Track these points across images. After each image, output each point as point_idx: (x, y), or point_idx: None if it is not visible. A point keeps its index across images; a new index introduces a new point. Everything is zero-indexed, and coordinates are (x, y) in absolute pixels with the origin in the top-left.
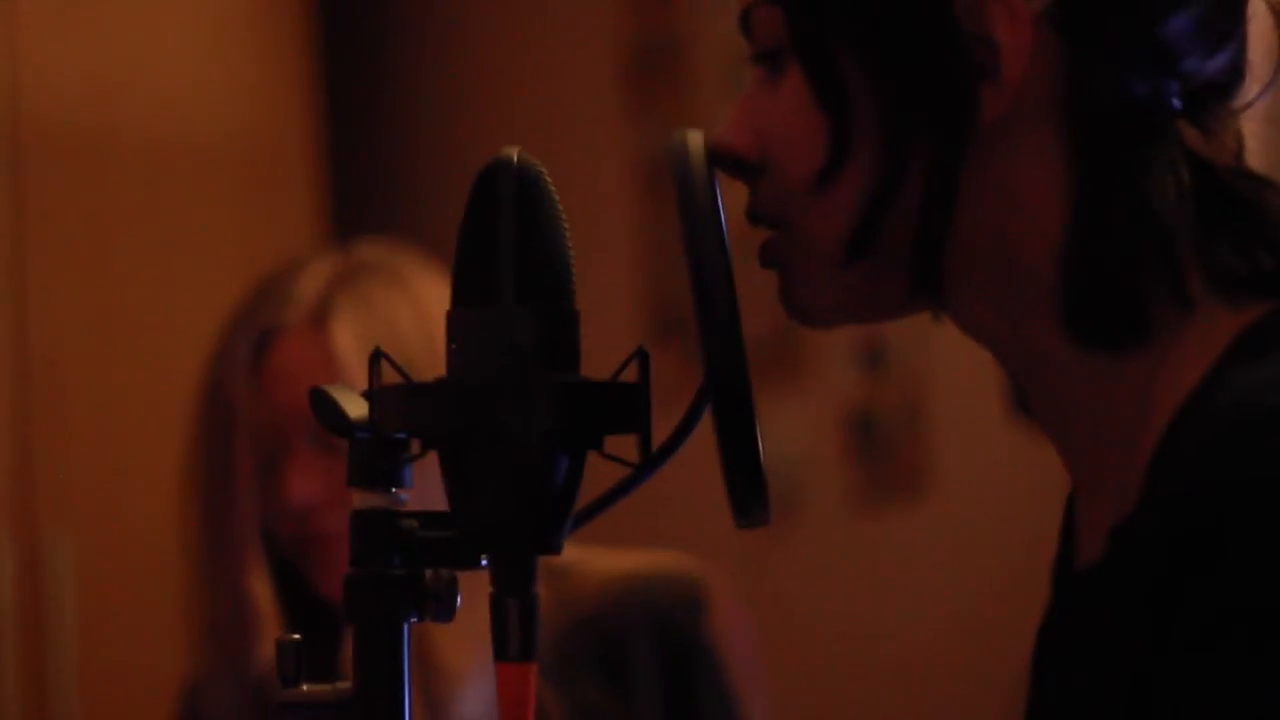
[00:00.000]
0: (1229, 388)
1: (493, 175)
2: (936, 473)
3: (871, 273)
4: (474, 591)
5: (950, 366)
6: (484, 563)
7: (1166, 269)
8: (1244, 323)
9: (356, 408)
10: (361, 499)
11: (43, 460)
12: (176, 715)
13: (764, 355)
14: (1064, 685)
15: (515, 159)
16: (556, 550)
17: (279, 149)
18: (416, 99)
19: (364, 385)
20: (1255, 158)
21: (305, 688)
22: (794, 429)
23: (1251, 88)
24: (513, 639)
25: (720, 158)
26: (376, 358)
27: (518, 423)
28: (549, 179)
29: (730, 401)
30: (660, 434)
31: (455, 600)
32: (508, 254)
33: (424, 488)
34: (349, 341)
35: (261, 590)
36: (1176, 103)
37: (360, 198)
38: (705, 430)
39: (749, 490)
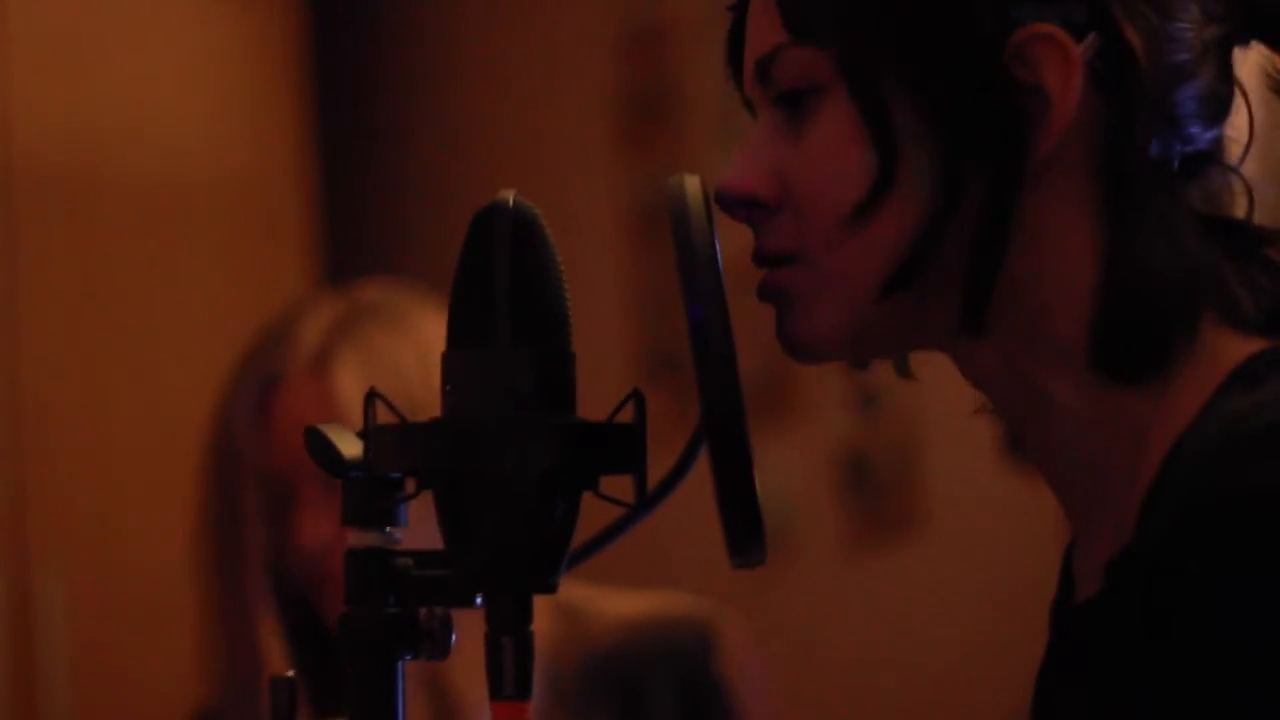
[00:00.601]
0: (1220, 415)
1: (488, 218)
2: (929, 513)
3: (907, 307)
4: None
5: (943, 408)
6: (479, 601)
7: (1187, 309)
8: (1241, 357)
9: (351, 447)
10: (356, 538)
11: (35, 500)
12: None
13: (757, 396)
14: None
15: (511, 202)
16: (552, 590)
17: (271, 192)
18: (409, 143)
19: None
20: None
21: None
22: (787, 469)
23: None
24: (508, 677)
25: (731, 199)
26: (371, 397)
27: (514, 463)
28: (544, 222)
29: (727, 441)
30: (655, 473)
31: (450, 639)
32: (503, 296)
33: (417, 525)
34: (351, 387)
35: (271, 635)
36: (1176, 165)
37: (353, 240)
38: (700, 469)
39: (745, 530)
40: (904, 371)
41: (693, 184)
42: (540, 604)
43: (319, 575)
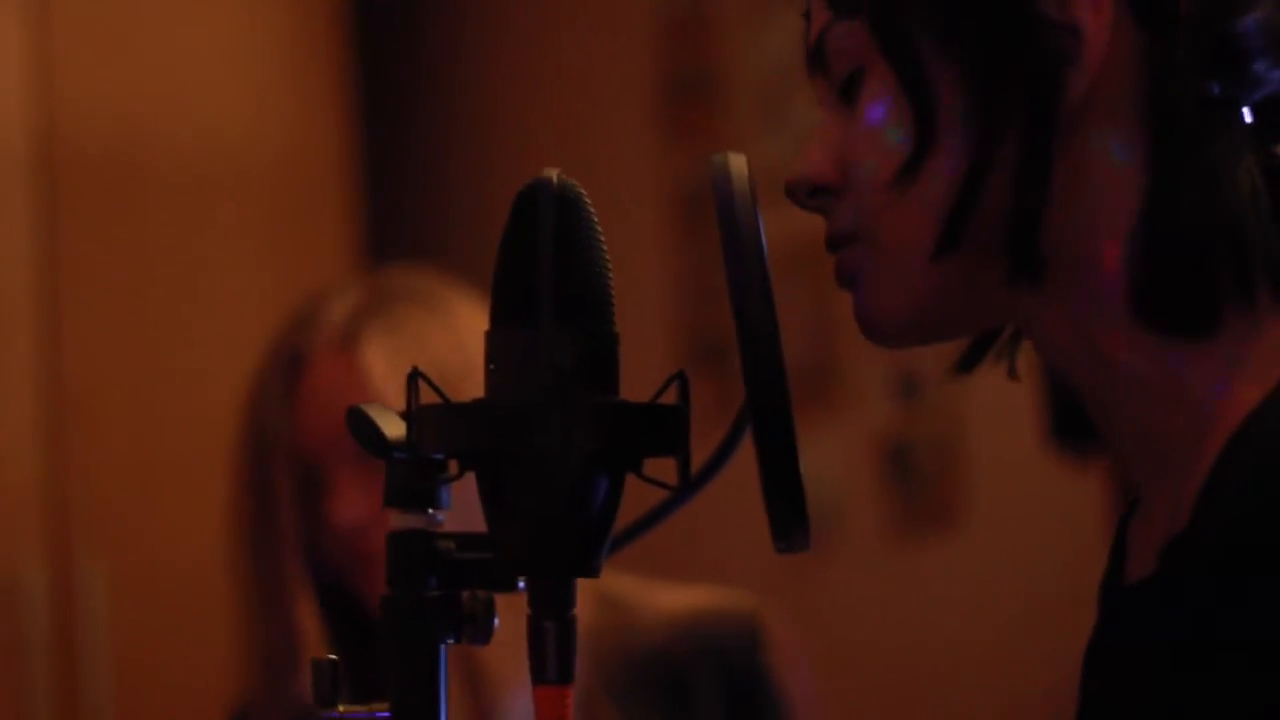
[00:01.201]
0: None
1: (532, 196)
2: (971, 503)
3: (962, 268)
4: (520, 601)
5: (985, 398)
6: (521, 585)
7: (1236, 266)
8: None
9: (394, 428)
10: (399, 520)
11: (77, 485)
12: None
13: (800, 384)
14: (1113, 698)
15: (555, 180)
16: (594, 574)
17: (313, 175)
18: (451, 125)
19: (398, 406)
20: None
21: (341, 709)
22: (829, 459)
23: None
24: (550, 661)
25: (796, 188)
26: (414, 377)
27: (556, 444)
28: (588, 201)
29: (772, 422)
30: (698, 459)
31: (492, 622)
32: (547, 274)
33: (462, 508)
34: (379, 362)
35: (308, 617)
36: (1248, 116)
37: (395, 223)
38: (743, 456)
39: (790, 513)
40: (1012, 374)
41: (738, 163)
42: (585, 595)
43: (354, 555)
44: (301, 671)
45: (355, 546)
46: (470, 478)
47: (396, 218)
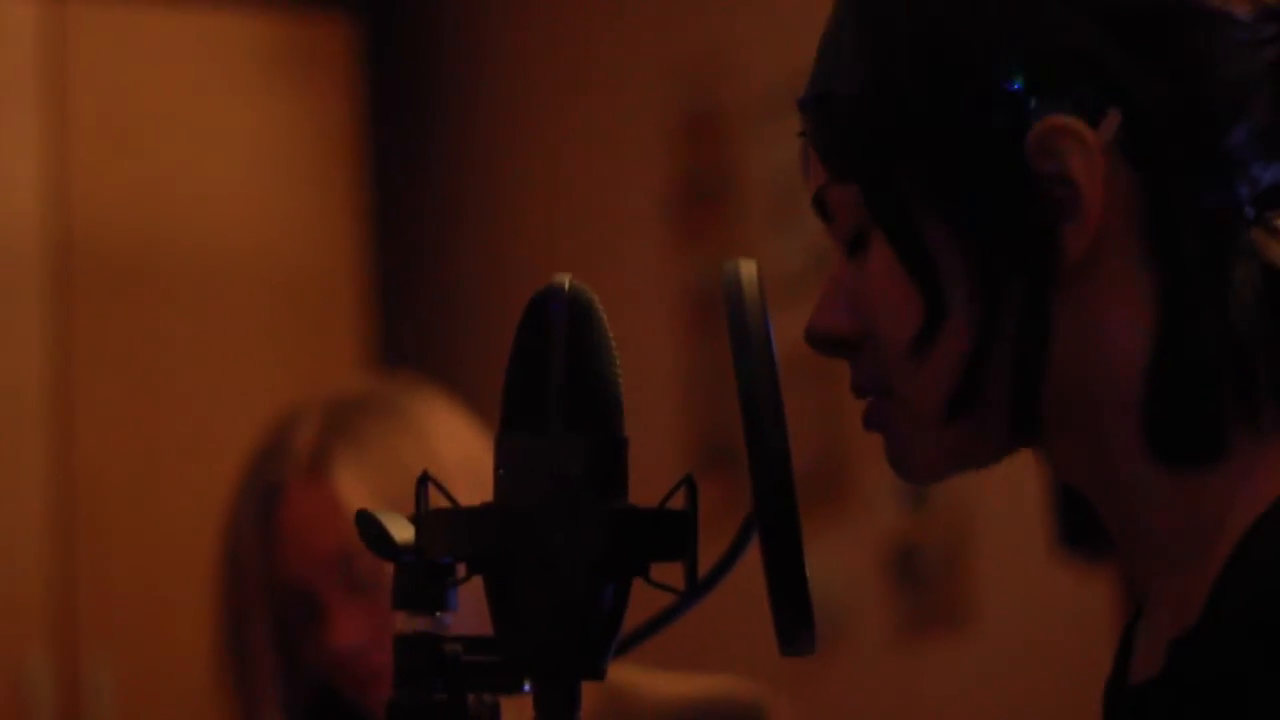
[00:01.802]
0: None
1: (544, 301)
2: (978, 606)
3: (972, 428)
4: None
5: (993, 500)
6: (526, 688)
7: (1242, 389)
8: None
9: (403, 531)
10: (406, 622)
11: (85, 586)
12: None
13: (809, 487)
14: None
15: (567, 286)
16: (600, 677)
17: (326, 279)
18: (463, 229)
19: None
20: None
21: None
22: (837, 560)
23: None
24: None
25: (820, 340)
26: (423, 482)
27: (564, 549)
28: (600, 306)
29: (779, 529)
30: (705, 562)
31: None
32: (558, 380)
33: (466, 610)
34: (351, 486)
35: None
36: (1250, 210)
37: (408, 327)
38: (752, 555)
39: (796, 619)
40: None
41: (748, 269)
42: (587, 685)
43: (357, 676)
44: None
45: (356, 668)
46: (476, 580)
47: (409, 322)
